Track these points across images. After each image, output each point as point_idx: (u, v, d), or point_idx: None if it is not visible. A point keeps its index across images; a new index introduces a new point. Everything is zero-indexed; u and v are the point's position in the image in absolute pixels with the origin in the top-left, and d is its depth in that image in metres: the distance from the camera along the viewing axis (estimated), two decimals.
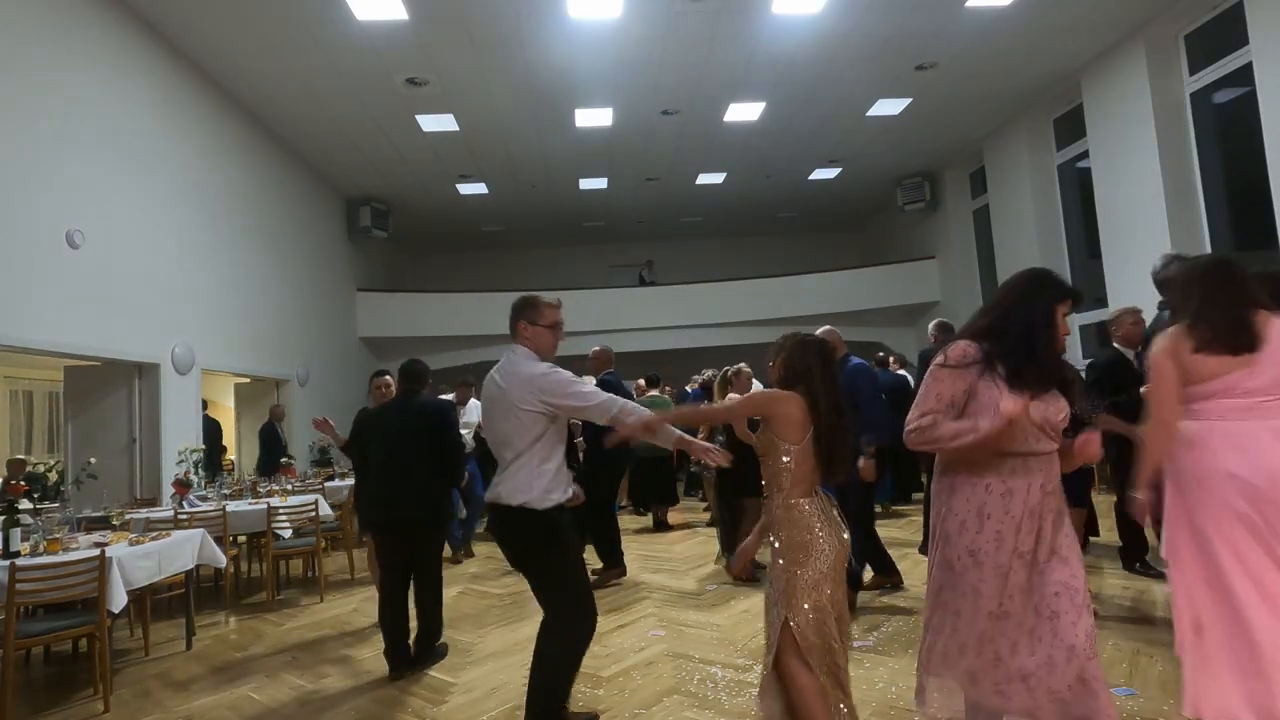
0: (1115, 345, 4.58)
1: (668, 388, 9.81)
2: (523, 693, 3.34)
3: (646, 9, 7.10)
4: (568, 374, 2.80)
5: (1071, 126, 9.74)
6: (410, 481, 3.89)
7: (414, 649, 3.88)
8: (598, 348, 5.74)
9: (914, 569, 5.26)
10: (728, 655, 3.73)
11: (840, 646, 2.24)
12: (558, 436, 2.83)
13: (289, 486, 6.72)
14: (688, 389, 9.32)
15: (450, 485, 4.24)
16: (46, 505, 5.49)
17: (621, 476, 5.75)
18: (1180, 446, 2.32)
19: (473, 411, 6.81)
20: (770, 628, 2.28)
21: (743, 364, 5.60)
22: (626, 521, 8.15)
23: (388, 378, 4.98)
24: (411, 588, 3.99)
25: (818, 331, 5.24)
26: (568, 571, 2.80)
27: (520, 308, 2.95)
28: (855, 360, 5.19)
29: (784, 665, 2.21)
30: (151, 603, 4.61)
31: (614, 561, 5.49)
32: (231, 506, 5.62)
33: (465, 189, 12.08)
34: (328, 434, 4.84)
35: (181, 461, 6.84)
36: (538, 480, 2.72)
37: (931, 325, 5.74)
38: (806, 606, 2.19)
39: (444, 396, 6.96)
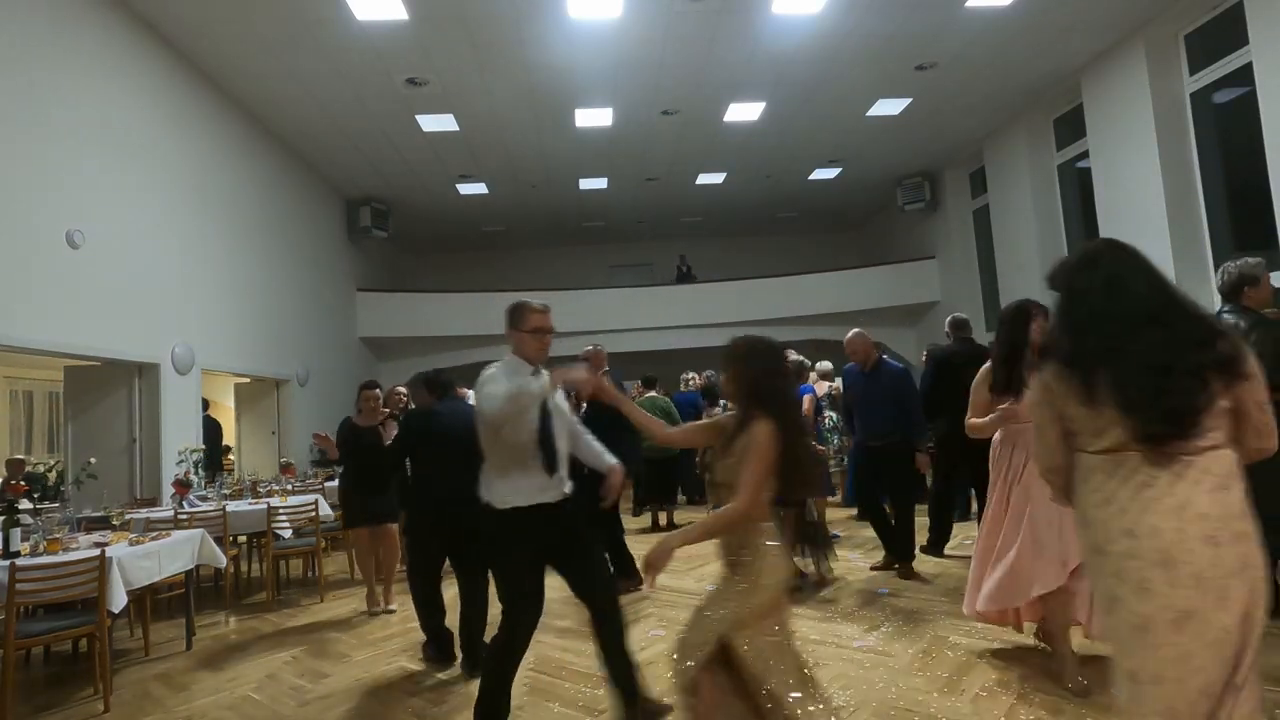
0: None
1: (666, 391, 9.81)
2: (522, 693, 3.36)
3: (646, 9, 7.10)
4: (492, 388, 2.77)
5: (1071, 126, 9.74)
6: (469, 483, 3.88)
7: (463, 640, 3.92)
8: (590, 347, 5.68)
9: (915, 568, 5.26)
10: None
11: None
12: (510, 448, 2.86)
13: (289, 486, 6.72)
14: (681, 389, 9.32)
15: None
16: (46, 505, 5.49)
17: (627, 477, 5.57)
18: None
19: None
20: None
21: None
22: (627, 522, 8.15)
23: (378, 390, 5.16)
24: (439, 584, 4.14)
25: (849, 334, 5.24)
26: (507, 576, 2.90)
27: (507, 313, 2.99)
28: (892, 362, 5.22)
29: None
30: (151, 603, 4.61)
31: (625, 570, 5.23)
32: (231, 506, 5.63)
33: (465, 189, 12.08)
34: (325, 447, 4.91)
35: (181, 461, 6.84)
36: (494, 484, 2.89)
37: (948, 322, 5.75)
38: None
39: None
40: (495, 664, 2.91)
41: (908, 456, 5.13)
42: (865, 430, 5.11)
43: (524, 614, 2.87)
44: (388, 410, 5.55)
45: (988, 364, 3.37)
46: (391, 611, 5.06)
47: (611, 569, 5.23)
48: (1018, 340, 3.22)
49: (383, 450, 5.00)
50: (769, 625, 2.13)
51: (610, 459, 3.19)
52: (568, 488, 2.98)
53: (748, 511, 2.10)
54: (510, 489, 2.85)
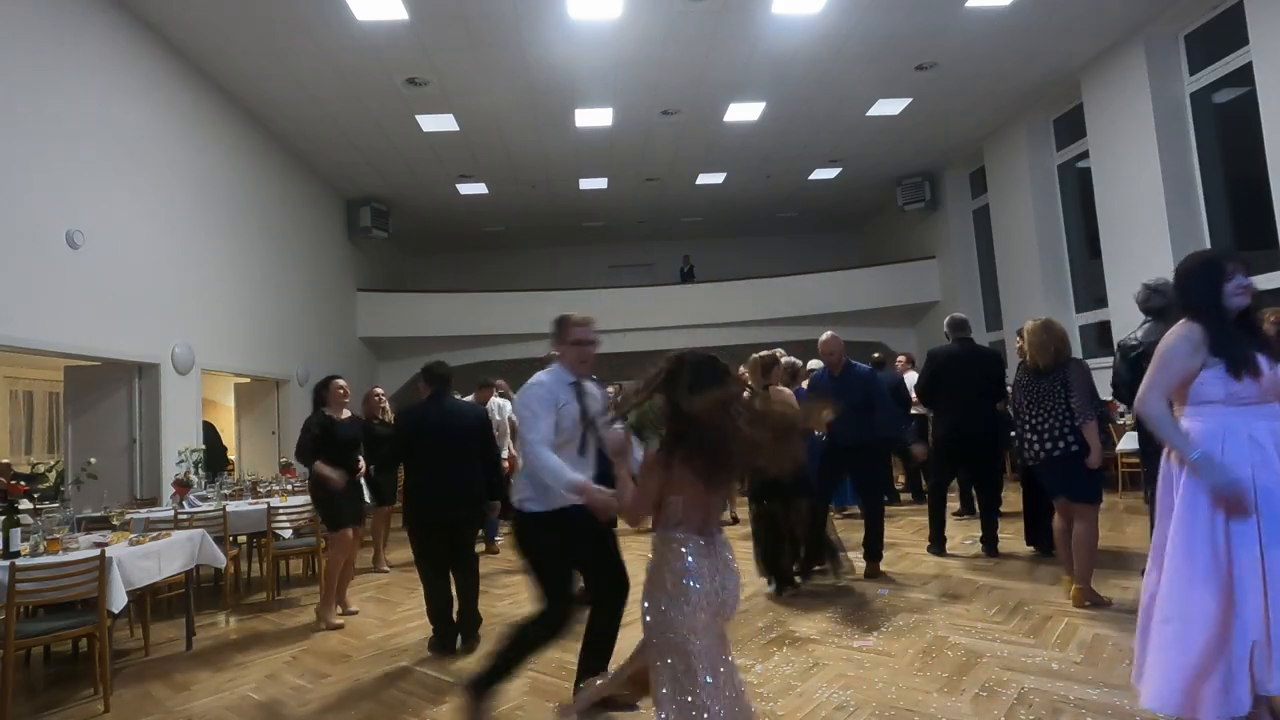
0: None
1: None
2: (523, 693, 3.36)
3: (646, 9, 7.10)
4: (535, 403, 2.91)
5: (1071, 126, 9.74)
6: (460, 480, 4.18)
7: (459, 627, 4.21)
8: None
9: (915, 567, 5.27)
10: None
11: None
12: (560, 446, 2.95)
13: (289, 486, 6.72)
14: None
15: (492, 485, 4.43)
16: (46, 505, 5.49)
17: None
18: None
19: (493, 412, 6.83)
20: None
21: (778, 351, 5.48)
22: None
23: (341, 381, 5.13)
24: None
25: (826, 336, 5.28)
26: (539, 575, 2.99)
27: (553, 326, 3.13)
28: (860, 364, 5.32)
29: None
30: (151, 603, 4.61)
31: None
32: (231, 506, 5.63)
33: (465, 189, 12.08)
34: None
35: (181, 462, 6.83)
36: (523, 487, 2.99)
37: (946, 322, 5.82)
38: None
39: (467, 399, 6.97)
40: (511, 655, 2.98)
41: (877, 457, 5.35)
42: (836, 432, 5.13)
43: (567, 609, 2.98)
44: (350, 413, 5.45)
45: (1180, 327, 2.40)
46: (353, 613, 5.05)
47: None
48: (1208, 300, 2.40)
49: (353, 441, 5.07)
50: (666, 647, 2.01)
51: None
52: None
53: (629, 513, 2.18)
54: (528, 489, 2.96)
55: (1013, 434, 4.61)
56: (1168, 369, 2.38)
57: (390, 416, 6.44)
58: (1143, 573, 4.64)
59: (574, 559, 3.06)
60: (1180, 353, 2.36)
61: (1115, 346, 4.56)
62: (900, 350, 10.64)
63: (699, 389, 2.04)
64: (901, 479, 8.82)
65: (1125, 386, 4.33)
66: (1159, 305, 4.28)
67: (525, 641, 2.96)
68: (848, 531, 6.51)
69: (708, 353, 2.17)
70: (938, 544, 5.61)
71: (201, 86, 7.91)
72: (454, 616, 4.20)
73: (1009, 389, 4.77)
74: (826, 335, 5.30)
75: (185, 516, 5.30)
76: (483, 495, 4.35)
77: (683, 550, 2.03)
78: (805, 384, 5.84)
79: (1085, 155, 9.31)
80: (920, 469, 7.88)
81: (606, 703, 3.07)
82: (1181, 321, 2.41)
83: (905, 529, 6.73)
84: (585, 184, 12.28)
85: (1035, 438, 4.24)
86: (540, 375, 3.05)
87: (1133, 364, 4.20)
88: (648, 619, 2.05)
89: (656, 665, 2.02)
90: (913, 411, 7.60)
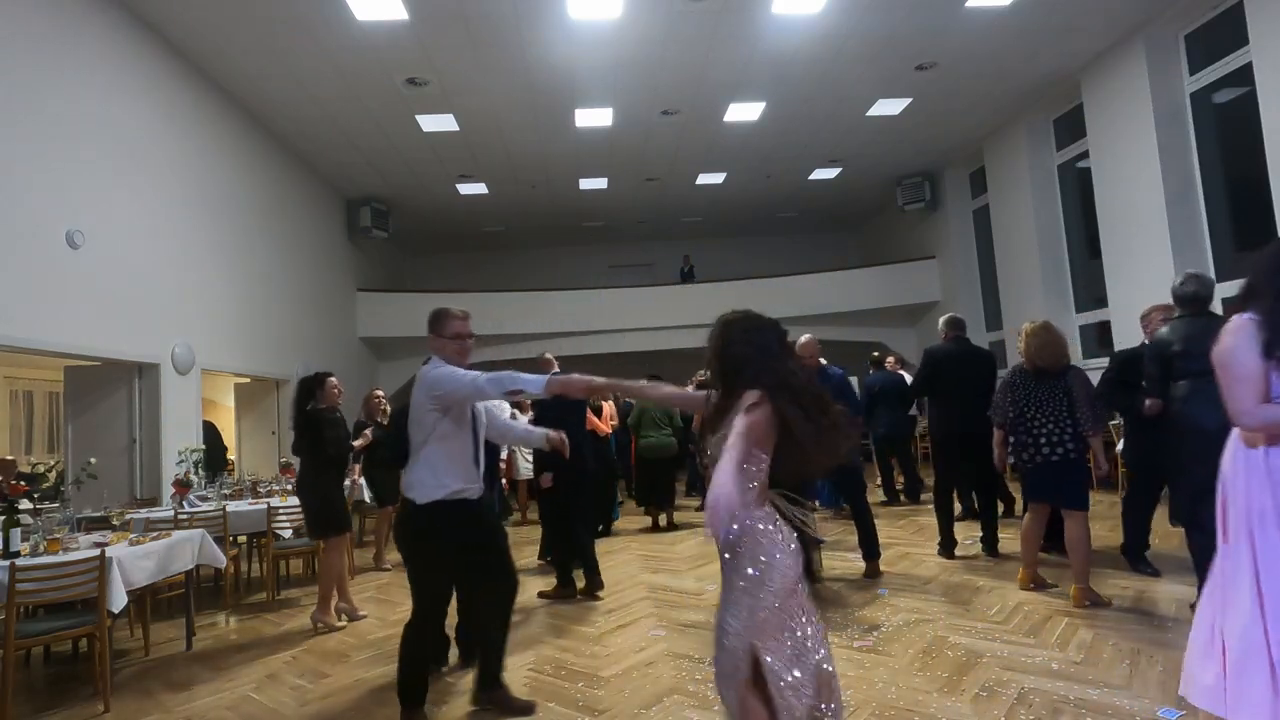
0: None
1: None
2: (522, 693, 3.36)
3: (646, 9, 7.11)
4: (450, 368, 3.00)
5: (1071, 126, 9.74)
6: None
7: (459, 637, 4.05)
8: (547, 355, 5.85)
9: (915, 567, 5.27)
10: None
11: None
12: (450, 435, 3.01)
13: (289, 486, 6.72)
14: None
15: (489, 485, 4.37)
16: (46, 505, 5.49)
17: (583, 488, 5.34)
18: None
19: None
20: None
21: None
22: (627, 522, 8.14)
23: (335, 379, 5.12)
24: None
25: (805, 338, 5.30)
26: (415, 571, 3.08)
27: (429, 320, 3.14)
28: (834, 368, 5.34)
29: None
30: (151, 603, 4.61)
31: (562, 579, 5.10)
32: (231, 506, 5.63)
33: (465, 189, 12.08)
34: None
35: (181, 462, 6.83)
36: (419, 475, 2.99)
37: (942, 321, 5.82)
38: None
39: None
40: (401, 662, 3.07)
41: (855, 460, 5.38)
42: None
43: (422, 618, 3.05)
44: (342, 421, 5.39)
45: (1232, 326, 2.11)
46: (361, 617, 4.95)
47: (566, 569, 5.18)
48: None
49: (344, 435, 5.05)
50: (785, 626, 1.96)
51: (539, 430, 3.47)
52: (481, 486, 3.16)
53: (731, 493, 1.88)
54: (434, 479, 2.97)
55: (1010, 439, 4.42)
56: (1241, 376, 2.07)
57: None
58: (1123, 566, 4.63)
59: (463, 549, 3.09)
60: (1242, 349, 2.06)
61: (1149, 342, 4.24)
62: (900, 351, 10.65)
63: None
64: (901, 480, 8.81)
65: (1156, 383, 4.00)
66: (1192, 291, 4.06)
67: (406, 646, 3.06)
68: (846, 533, 6.52)
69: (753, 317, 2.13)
70: (947, 547, 5.53)
71: (201, 86, 7.91)
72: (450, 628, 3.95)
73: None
74: (805, 338, 5.29)
75: (185, 516, 5.30)
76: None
77: (761, 525, 1.99)
78: None
79: (1085, 155, 9.31)
80: (916, 470, 7.88)
81: (508, 707, 3.15)
82: (1234, 318, 2.12)
83: (905, 529, 6.73)
84: (585, 184, 12.28)
85: (1031, 440, 4.22)
86: (430, 368, 3.05)
87: (1166, 361, 3.90)
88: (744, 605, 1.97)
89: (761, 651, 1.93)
90: (911, 413, 7.61)
